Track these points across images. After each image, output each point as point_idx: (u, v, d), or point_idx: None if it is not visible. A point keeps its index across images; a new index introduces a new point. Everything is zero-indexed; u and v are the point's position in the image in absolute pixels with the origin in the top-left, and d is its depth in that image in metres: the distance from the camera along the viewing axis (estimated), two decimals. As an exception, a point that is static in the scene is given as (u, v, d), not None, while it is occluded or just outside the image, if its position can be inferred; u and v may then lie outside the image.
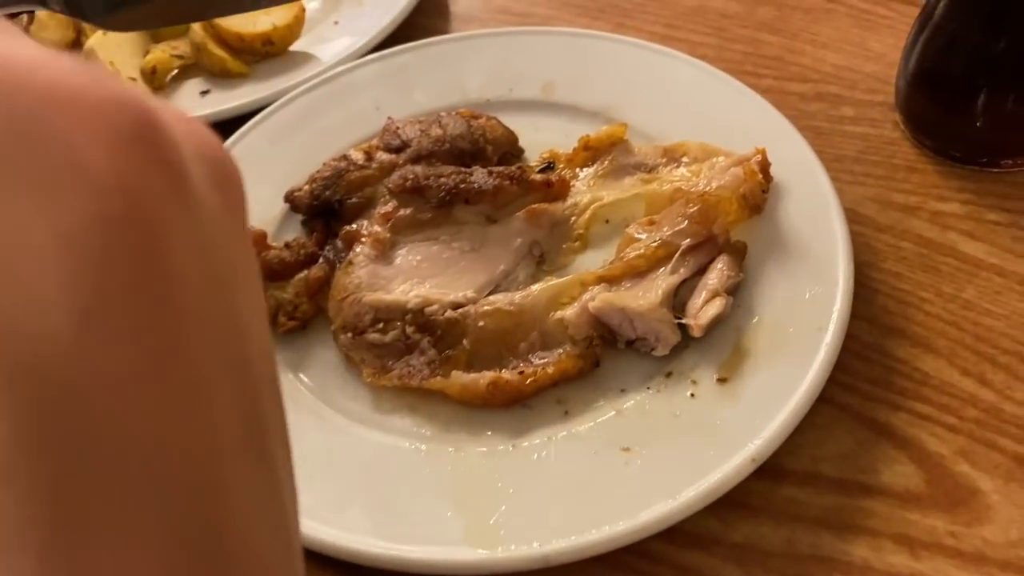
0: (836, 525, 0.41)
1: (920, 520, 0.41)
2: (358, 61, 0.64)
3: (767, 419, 0.41)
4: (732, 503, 0.41)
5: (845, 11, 0.69)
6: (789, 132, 0.54)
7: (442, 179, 0.52)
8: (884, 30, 0.67)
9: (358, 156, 0.54)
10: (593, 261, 0.51)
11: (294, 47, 0.68)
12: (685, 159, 0.55)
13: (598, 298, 0.45)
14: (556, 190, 0.54)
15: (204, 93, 0.65)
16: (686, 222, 0.48)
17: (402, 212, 0.52)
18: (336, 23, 0.71)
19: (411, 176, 0.52)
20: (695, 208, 0.48)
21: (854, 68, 0.64)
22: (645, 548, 0.40)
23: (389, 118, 0.57)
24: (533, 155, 0.59)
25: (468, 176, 0.52)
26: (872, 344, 0.47)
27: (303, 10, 0.67)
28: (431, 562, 0.39)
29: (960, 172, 0.56)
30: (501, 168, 0.53)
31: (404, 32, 0.70)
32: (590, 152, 0.56)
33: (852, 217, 0.53)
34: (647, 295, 0.45)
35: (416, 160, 0.54)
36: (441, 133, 0.55)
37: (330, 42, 0.69)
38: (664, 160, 0.55)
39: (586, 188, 0.54)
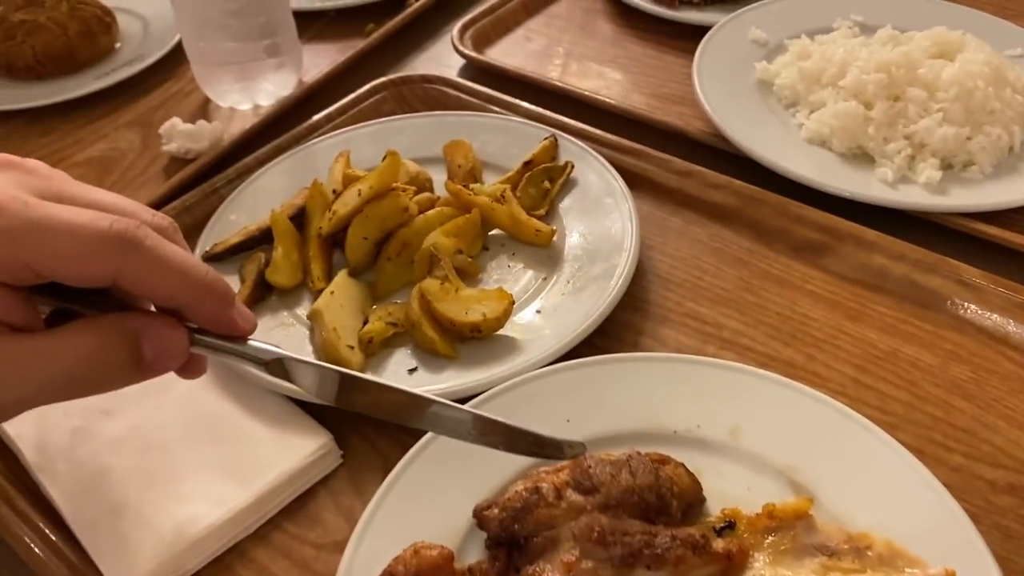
0: None
1: None
2: (553, 367, 0.68)
3: None
4: None
5: (1044, 385, 0.69)
6: (979, 550, 0.54)
7: (627, 537, 0.54)
8: (1085, 418, 0.66)
9: (548, 490, 0.57)
10: (764, 651, 0.52)
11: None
12: (869, 552, 0.55)
13: None
14: (736, 562, 0.55)
15: (412, 371, 0.71)
16: (869, 654, 0.48)
17: (584, 564, 0.54)
18: (538, 312, 0.75)
19: (598, 528, 0.55)
20: (880, 640, 0.48)
21: (1051, 460, 0.64)
22: None
23: (582, 456, 0.60)
24: (714, 504, 0.60)
25: (653, 539, 0.54)
26: None
27: (512, 303, 0.72)
28: None
29: None
30: (685, 534, 0.55)
31: (601, 325, 0.73)
32: (773, 521, 0.57)
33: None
34: None
35: (604, 507, 0.56)
36: (631, 481, 0.57)
37: (532, 331, 0.73)
38: (847, 547, 0.56)
39: (764, 563, 0.55)
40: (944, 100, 0.85)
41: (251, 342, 0.50)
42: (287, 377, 0.50)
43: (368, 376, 0.51)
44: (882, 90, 0.86)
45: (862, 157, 0.87)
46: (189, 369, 0.52)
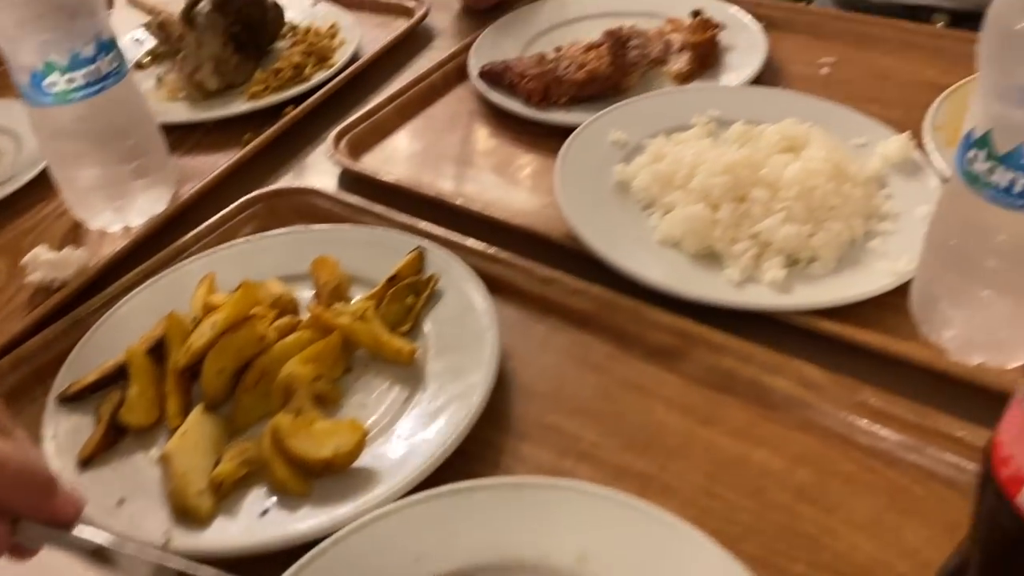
0: None
1: None
2: (403, 503, 0.68)
3: None
4: None
5: (883, 485, 0.70)
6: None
7: None
8: (917, 517, 0.68)
9: (389, 641, 0.57)
10: None
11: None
12: None
13: None
14: None
15: (263, 513, 0.70)
16: None
17: None
18: (399, 436, 0.75)
19: None
20: None
21: (887, 564, 0.65)
22: None
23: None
24: (559, 637, 0.60)
25: None
26: None
27: (364, 436, 0.72)
28: None
29: None
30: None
31: (462, 445, 0.74)
32: (613, 654, 0.58)
33: None
34: None
35: (442, 656, 0.56)
36: (470, 625, 0.57)
37: (391, 459, 0.73)
38: (684, 676, 0.56)
39: None
40: (786, 199, 0.88)
41: (76, 530, 0.50)
42: (113, 566, 0.50)
43: (191, 571, 0.50)
44: (727, 192, 0.89)
45: (711, 258, 0.89)
46: (19, 554, 0.51)
